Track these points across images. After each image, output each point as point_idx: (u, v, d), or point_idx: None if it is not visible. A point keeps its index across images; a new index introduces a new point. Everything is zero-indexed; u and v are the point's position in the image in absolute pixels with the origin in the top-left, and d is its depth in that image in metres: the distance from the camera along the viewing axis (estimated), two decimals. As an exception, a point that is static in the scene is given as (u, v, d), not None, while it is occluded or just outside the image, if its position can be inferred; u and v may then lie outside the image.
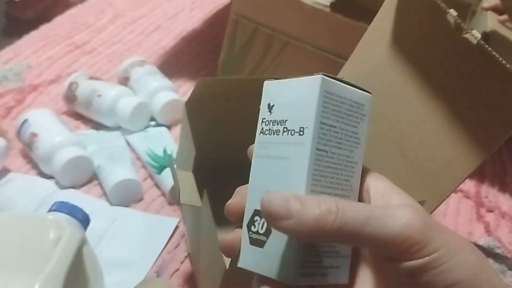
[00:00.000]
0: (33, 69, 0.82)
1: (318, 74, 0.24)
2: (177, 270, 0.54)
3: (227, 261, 0.37)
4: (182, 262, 0.54)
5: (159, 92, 0.72)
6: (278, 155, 0.25)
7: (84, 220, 0.51)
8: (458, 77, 0.34)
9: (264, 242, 0.25)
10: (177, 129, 0.72)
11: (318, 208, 0.22)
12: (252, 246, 0.26)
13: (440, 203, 0.35)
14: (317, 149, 0.24)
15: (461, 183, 0.35)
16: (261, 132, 0.26)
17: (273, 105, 0.26)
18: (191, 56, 0.90)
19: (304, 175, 0.24)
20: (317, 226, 0.22)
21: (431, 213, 0.34)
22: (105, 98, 0.68)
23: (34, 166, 0.64)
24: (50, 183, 0.62)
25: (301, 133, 0.24)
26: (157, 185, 0.64)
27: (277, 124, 0.25)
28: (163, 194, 0.62)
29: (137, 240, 0.56)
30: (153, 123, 0.72)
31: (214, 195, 0.42)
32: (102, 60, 0.86)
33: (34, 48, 0.87)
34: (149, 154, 0.65)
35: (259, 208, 0.24)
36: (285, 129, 0.25)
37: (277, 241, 0.24)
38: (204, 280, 0.49)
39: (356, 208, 0.22)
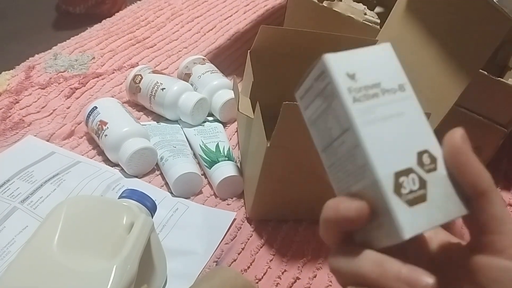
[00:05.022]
0: (97, 59, 0.86)
1: (385, 43, 0.29)
2: (235, 260, 0.56)
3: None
4: (239, 253, 0.57)
5: (219, 90, 0.74)
6: (391, 114, 0.27)
7: (152, 208, 0.53)
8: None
9: (425, 193, 0.26)
10: (232, 127, 0.75)
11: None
12: (412, 207, 0.26)
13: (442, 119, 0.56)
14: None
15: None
16: (355, 101, 0.27)
17: (353, 74, 0.28)
18: (245, 57, 0.92)
19: (425, 120, 0.28)
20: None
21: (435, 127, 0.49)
22: (168, 92, 0.71)
23: (99, 152, 0.68)
24: (115, 171, 0.65)
25: (403, 89, 0.28)
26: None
27: (371, 88, 0.28)
28: (212, 188, 0.64)
29: (197, 230, 0.59)
30: (210, 118, 0.75)
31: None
32: (161, 55, 0.89)
33: (98, 41, 0.91)
34: (202, 148, 0.67)
35: (401, 168, 0.26)
36: (383, 91, 0.28)
37: (437, 184, 0.27)
38: (247, 186, 0.61)
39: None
